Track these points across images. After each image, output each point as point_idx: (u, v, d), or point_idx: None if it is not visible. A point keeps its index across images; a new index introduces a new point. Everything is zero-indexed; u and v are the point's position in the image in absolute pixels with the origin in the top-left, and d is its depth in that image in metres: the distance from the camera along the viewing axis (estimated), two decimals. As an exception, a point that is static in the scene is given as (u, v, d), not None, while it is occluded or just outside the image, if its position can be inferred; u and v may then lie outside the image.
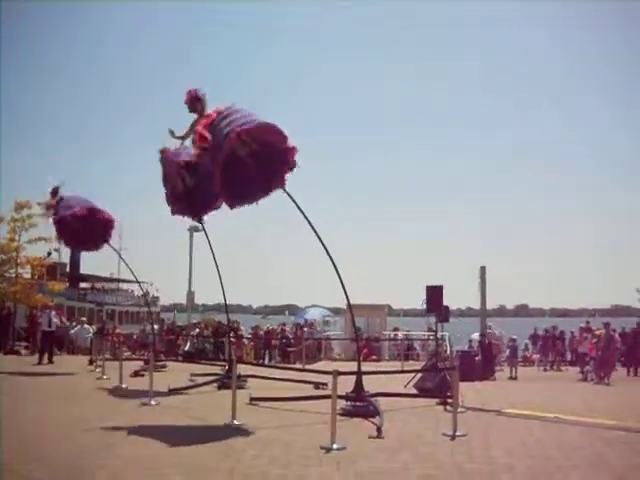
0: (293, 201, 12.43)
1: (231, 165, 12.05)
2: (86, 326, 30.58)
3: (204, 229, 18.17)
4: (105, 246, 21.55)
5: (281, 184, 12.44)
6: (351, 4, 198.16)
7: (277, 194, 12.55)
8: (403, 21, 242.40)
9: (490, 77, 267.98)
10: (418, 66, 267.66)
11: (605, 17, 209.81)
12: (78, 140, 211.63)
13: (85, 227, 20.32)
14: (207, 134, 12.13)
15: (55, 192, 20.88)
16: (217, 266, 17.67)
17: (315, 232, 12.46)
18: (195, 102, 13.44)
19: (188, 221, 19.86)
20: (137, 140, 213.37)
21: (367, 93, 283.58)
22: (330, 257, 12.44)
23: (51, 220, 20.92)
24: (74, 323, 32.00)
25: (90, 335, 28.70)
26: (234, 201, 12.82)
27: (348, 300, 13.07)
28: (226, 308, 19.53)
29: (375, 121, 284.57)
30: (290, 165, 12.29)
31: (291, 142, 12.14)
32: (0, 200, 47.39)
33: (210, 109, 12.75)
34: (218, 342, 29.28)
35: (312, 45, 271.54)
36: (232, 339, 27.21)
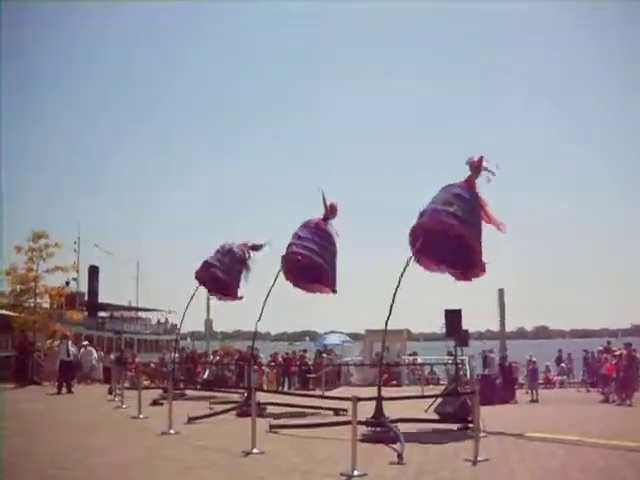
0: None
1: None
2: (90, 349, 30.15)
3: None
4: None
5: None
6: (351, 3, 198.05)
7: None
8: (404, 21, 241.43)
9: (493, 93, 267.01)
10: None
11: (605, 17, 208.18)
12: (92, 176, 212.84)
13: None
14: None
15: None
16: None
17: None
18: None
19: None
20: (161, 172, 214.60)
21: (380, 103, 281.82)
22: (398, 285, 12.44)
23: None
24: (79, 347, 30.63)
25: (93, 358, 28.32)
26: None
27: (386, 325, 13.13)
28: (254, 335, 19.44)
29: (392, 137, 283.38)
30: None
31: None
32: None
33: None
34: (238, 370, 29.22)
35: (312, 44, 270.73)
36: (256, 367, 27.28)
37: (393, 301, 12.61)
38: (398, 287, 12.73)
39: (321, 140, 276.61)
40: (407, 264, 12.84)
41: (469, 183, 13.95)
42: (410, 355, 33.30)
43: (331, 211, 17.12)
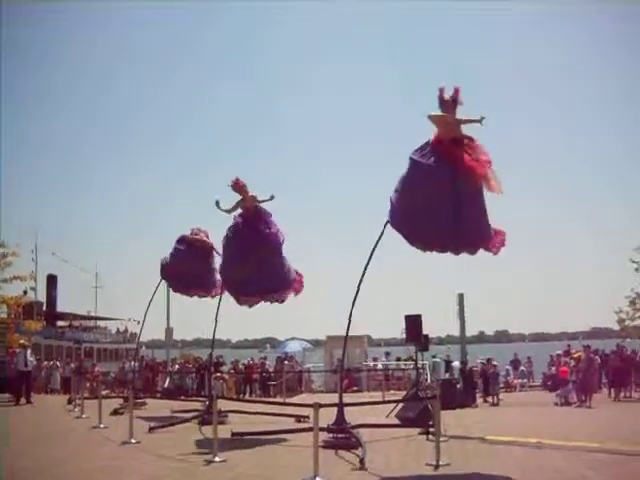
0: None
1: None
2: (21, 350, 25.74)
3: None
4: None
5: None
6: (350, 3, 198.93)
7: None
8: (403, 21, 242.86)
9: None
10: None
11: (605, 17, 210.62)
12: (57, 177, 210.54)
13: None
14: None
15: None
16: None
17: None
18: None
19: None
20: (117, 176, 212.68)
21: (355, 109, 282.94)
22: (358, 287, 12.41)
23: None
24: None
25: (31, 361, 26.45)
26: None
27: (347, 331, 13.06)
28: (212, 342, 19.17)
29: (353, 139, 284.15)
30: None
31: None
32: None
33: None
34: (199, 378, 29.11)
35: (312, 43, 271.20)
36: (217, 374, 27.18)
37: (353, 307, 12.61)
38: (357, 293, 12.70)
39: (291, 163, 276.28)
40: (365, 269, 12.66)
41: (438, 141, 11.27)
42: (372, 361, 33.37)
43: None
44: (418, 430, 13.71)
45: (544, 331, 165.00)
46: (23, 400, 22.95)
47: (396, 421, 15.42)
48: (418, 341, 18.02)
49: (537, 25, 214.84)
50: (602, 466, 9.75)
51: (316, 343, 40.41)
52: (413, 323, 17.60)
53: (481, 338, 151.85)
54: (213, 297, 18.53)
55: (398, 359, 32.05)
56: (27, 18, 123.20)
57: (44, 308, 53.19)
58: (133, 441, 13.12)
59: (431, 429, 12.42)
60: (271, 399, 25.32)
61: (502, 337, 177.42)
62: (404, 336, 18.33)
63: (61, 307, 56.66)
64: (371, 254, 12.52)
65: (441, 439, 10.66)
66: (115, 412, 18.31)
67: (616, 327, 38.49)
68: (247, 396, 28.44)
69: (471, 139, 11.19)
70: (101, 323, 66.13)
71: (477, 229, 11.33)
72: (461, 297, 29.22)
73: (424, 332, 18.05)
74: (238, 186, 15.62)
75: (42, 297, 52.39)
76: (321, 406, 9.84)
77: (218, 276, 17.72)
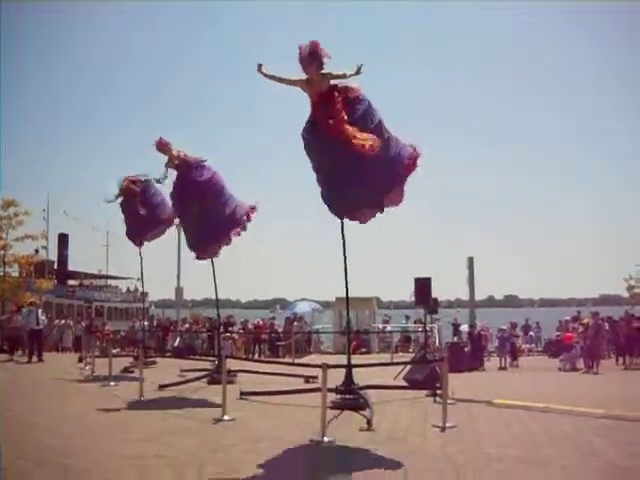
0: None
1: None
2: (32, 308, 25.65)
3: None
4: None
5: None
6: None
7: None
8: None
9: (488, 78, 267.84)
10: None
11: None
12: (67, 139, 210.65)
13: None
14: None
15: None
16: (213, 264, 17.56)
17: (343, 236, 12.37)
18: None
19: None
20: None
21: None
22: (344, 253, 12.38)
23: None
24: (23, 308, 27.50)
25: (43, 320, 26.30)
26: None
27: (347, 293, 13.02)
28: (217, 302, 19.26)
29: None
30: None
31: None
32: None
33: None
34: (209, 337, 29.26)
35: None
36: (227, 334, 27.34)
37: (345, 266, 12.52)
38: (345, 251, 12.44)
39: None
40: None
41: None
42: (382, 323, 33.40)
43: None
44: (425, 392, 13.80)
45: (553, 297, 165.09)
46: (35, 358, 23.15)
47: (404, 383, 15.49)
48: (427, 304, 18.04)
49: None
50: (609, 432, 9.76)
51: (326, 304, 40.42)
52: (422, 286, 17.60)
53: (490, 302, 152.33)
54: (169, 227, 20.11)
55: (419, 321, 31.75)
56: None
57: (55, 267, 53.49)
58: (142, 399, 13.24)
59: (438, 392, 12.47)
60: (280, 359, 25.43)
61: (511, 302, 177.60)
62: (413, 299, 18.33)
63: (72, 266, 56.97)
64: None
65: (448, 402, 10.68)
66: (125, 370, 18.47)
67: (625, 294, 38.52)
68: (256, 356, 28.61)
69: (345, 90, 10.53)
70: (112, 282, 66.51)
71: (371, 187, 10.70)
72: (471, 261, 29.19)
73: (433, 295, 18.07)
74: (162, 145, 15.84)
75: (53, 256, 52.70)
76: (329, 367, 9.86)
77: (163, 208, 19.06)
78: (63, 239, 56.04)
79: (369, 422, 10.26)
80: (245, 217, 16.13)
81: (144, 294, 58.18)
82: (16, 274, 35.39)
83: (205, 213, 15.35)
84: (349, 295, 12.61)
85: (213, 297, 18.60)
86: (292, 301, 44.23)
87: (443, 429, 9.95)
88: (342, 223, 11.53)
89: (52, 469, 7.47)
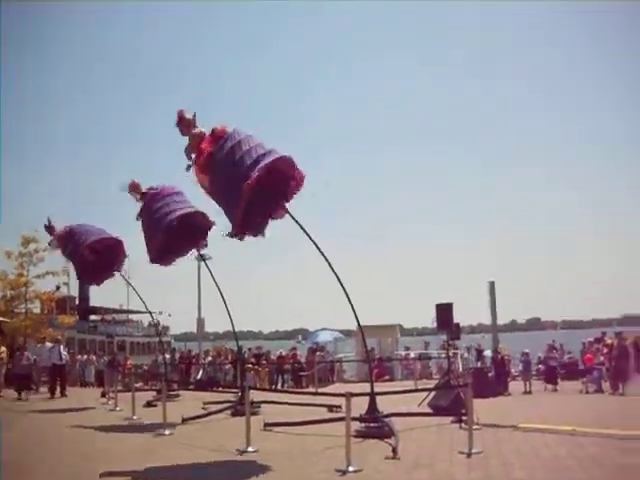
0: (297, 222, 12.42)
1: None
2: (48, 344, 26.35)
3: (204, 260, 19.08)
4: (114, 278, 21.29)
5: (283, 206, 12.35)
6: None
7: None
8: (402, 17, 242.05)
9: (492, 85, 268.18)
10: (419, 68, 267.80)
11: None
12: (78, 163, 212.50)
13: (98, 257, 20.21)
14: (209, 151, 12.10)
15: (48, 226, 20.87)
16: (221, 292, 17.72)
17: (325, 259, 12.44)
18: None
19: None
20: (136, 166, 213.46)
21: (369, 105, 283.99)
22: (338, 278, 12.43)
23: (61, 253, 20.67)
24: (37, 344, 28.51)
25: (65, 355, 25.15)
26: (247, 232, 12.69)
27: (358, 321, 13.03)
28: (234, 334, 19.25)
29: (380, 134, 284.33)
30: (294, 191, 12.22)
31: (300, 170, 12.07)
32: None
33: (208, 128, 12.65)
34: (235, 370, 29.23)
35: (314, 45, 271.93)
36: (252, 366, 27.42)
37: (346, 294, 12.56)
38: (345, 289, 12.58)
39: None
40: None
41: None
42: (404, 350, 33.29)
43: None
44: (450, 418, 13.71)
45: (576, 318, 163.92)
46: (58, 394, 23.18)
47: (428, 410, 15.40)
48: (449, 329, 17.98)
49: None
50: (637, 453, 9.67)
51: (347, 333, 40.35)
52: (444, 311, 17.56)
53: (513, 326, 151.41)
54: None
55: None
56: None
57: (77, 302, 53.67)
58: (167, 432, 13.23)
59: (463, 417, 12.40)
60: (303, 389, 25.36)
61: (534, 325, 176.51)
62: (435, 325, 18.28)
63: (93, 301, 57.14)
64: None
65: (473, 427, 10.62)
66: (148, 404, 18.45)
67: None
68: (279, 387, 28.55)
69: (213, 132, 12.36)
70: (133, 317, 66.57)
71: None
72: (492, 285, 29.00)
73: (455, 320, 18.00)
74: (134, 187, 17.69)
75: (75, 292, 52.79)
76: (353, 395, 9.84)
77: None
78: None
79: (394, 450, 10.21)
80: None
81: (164, 327, 58.61)
82: (38, 310, 35.55)
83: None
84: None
85: (235, 329, 18.66)
86: (313, 331, 44.19)
87: (469, 455, 9.87)
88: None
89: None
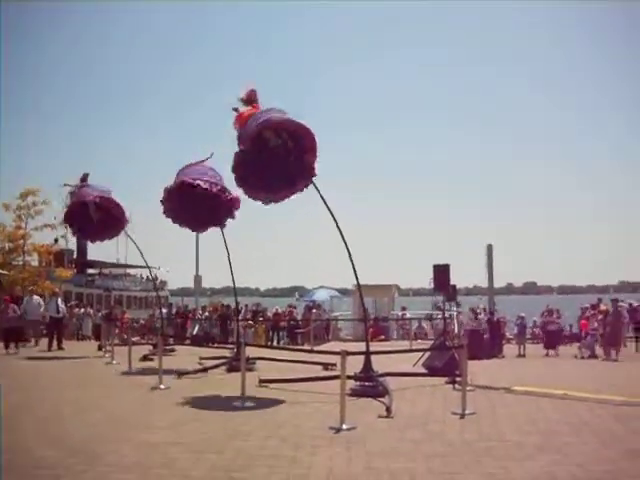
0: (318, 191, 12.39)
1: (260, 152, 12.14)
2: (35, 297, 26.31)
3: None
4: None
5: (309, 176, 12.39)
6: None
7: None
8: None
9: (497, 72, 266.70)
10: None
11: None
12: (83, 124, 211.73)
13: (101, 215, 20.12)
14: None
15: (84, 179, 20.56)
16: (227, 251, 17.63)
17: (333, 217, 12.42)
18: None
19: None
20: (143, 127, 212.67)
21: (377, 84, 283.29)
22: (342, 236, 12.40)
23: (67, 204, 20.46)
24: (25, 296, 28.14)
25: (42, 306, 25.37)
26: (257, 194, 12.73)
27: (357, 279, 13.04)
28: (234, 289, 19.25)
29: (383, 106, 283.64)
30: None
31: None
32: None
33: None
34: (226, 325, 29.31)
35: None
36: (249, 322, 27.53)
37: (349, 251, 12.57)
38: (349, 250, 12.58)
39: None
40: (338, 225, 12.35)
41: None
42: (401, 310, 33.34)
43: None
44: (445, 379, 13.79)
45: (572, 284, 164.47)
46: (55, 346, 23.27)
47: (423, 370, 15.49)
48: (445, 291, 18.04)
49: None
50: (629, 419, 9.73)
51: (344, 292, 40.43)
52: (441, 273, 17.60)
53: (509, 289, 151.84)
54: None
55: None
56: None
57: (74, 256, 53.72)
58: (162, 387, 13.29)
59: (457, 378, 12.48)
60: (299, 347, 25.47)
61: (530, 289, 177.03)
62: (432, 286, 18.30)
63: (91, 255, 57.16)
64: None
65: (467, 388, 10.69)
66: (145, 358, 18.54)
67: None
68: (275, 344, 28.66)
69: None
70: (131, 271, 66.66)
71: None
72: (490, 248, 29.02)
73: (452, 282, 18.05)
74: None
75: (72, 245, 52.81)
76: (348, 354, 9.88)
77: None
78: (82, 228, 56.01)
79: (388, 409, 10.28)
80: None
81: (162, 282, 58.72)
82: (35, 263, 35.59)
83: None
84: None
85: (232, 285, 18.61)
86: (311, 289, 44.27)
87: (462, 416, 9.95)
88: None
89: (82, 458, 7.50)
